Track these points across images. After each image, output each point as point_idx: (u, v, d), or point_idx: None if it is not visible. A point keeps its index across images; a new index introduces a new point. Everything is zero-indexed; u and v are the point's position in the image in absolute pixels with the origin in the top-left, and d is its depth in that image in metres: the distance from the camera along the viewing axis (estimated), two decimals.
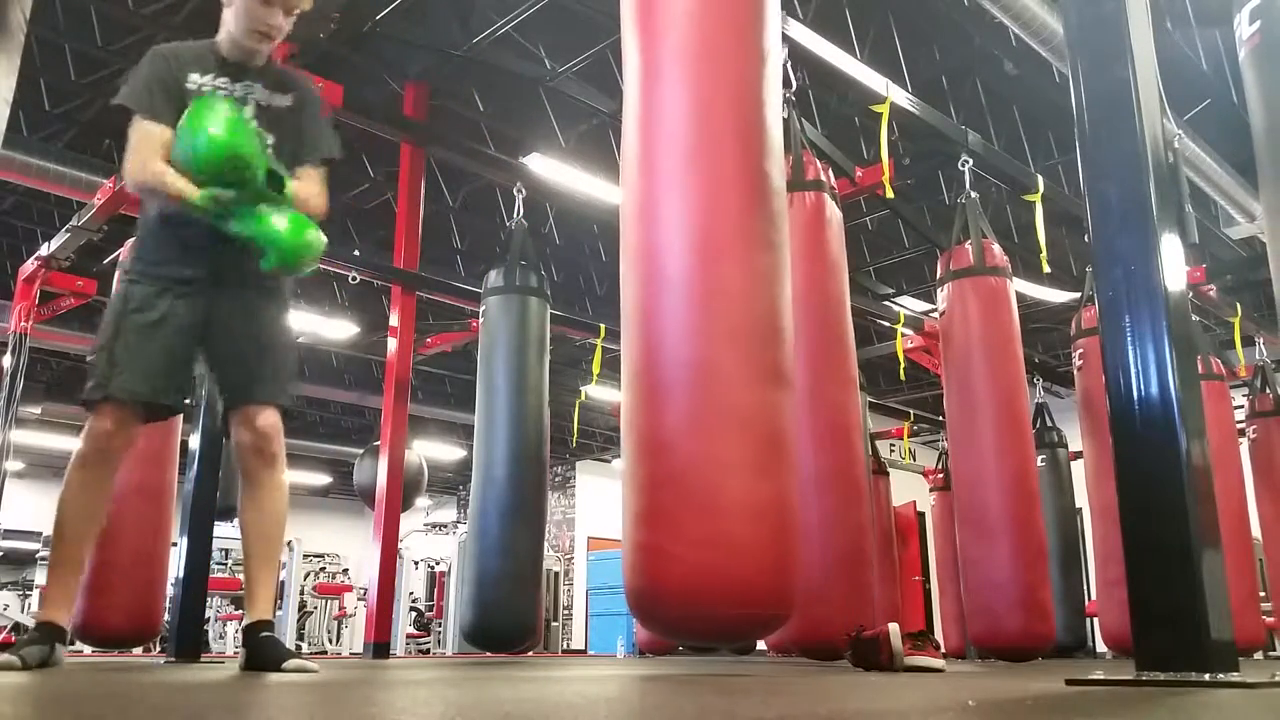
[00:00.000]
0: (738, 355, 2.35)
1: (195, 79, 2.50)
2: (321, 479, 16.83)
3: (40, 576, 12.64)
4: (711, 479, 2.27)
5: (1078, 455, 6.43)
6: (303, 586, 11.95)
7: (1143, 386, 1.94)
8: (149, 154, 2.39)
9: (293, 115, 2.59)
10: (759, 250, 2.45)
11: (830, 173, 4.29)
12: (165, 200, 2.42)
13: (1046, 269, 5.93)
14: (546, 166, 6.29)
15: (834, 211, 4.13)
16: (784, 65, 3.96)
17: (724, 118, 2.50)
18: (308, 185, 2.55)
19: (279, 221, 2.39)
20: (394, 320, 6.47)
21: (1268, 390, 7.11)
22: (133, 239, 2.68)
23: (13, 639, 10.75)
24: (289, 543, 11.48)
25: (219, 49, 2.58)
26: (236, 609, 11.64)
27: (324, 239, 2.52)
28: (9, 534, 12.84)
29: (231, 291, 2.51)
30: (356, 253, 7.24)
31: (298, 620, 11.60)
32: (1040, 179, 5.92)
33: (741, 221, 2.45)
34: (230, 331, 2.51)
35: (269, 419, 2.50)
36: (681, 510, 2.27)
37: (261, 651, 2.37)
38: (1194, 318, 5.83)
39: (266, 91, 2.57)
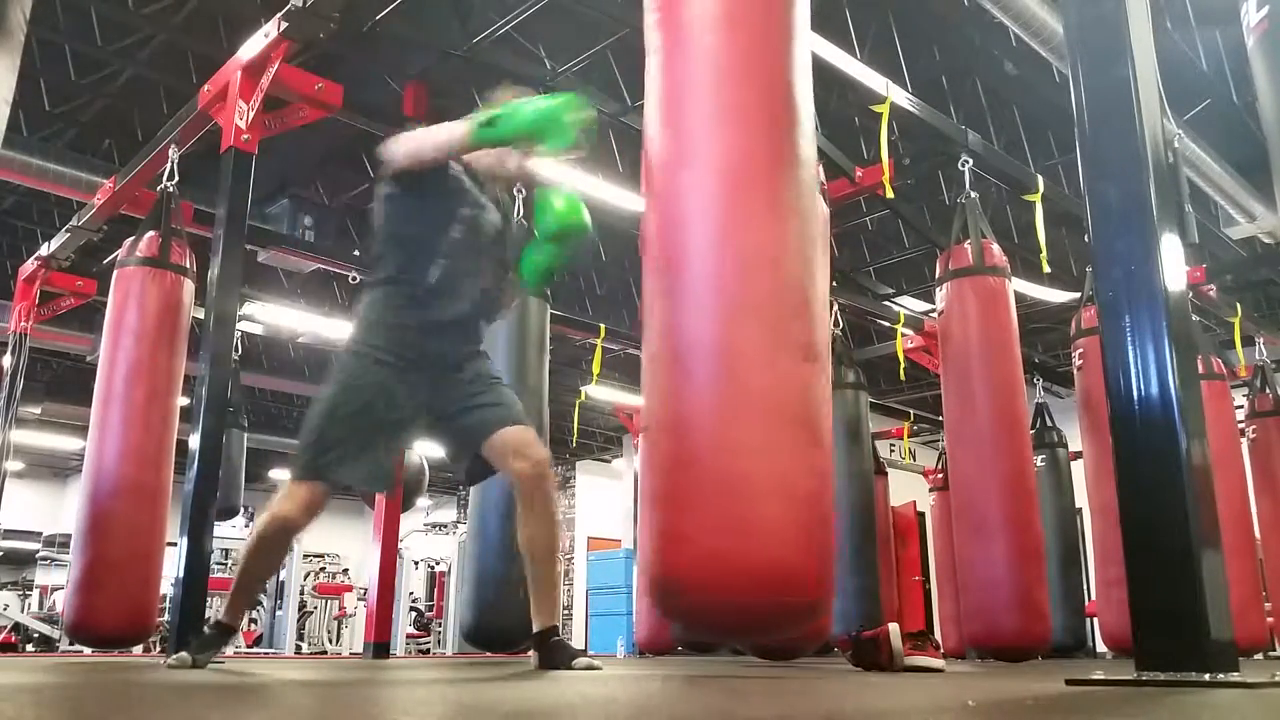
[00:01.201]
0: (759, 329, 2.22)
1: (456, 170, 2.74)
2: None
3: (40, 576, 12.66)
4: (730, 460, 2.13)
5: (1078, 455, 6.43)
6: (303, 586, 11.95)
7: (1143, 386, 1.93)
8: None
9: (503, 229, 2.89)
10: (784, 220, 2.30)
11: (820, 168, 4.29)
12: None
13: (1046, 269, 5.93)
14: (546, 167, 6.28)
15: (821, 206, 4.13)
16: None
17: (750, 85, 2.38)
18: (510, 298, 2.95)
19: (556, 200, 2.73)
20: None
21: (1268, 390, 7.11)
22: None
23: (13, 639, 10.77)
24: None
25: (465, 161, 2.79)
26: None
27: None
28: (9, 534, 12.84)
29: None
30: (356, 253, 7.24)
31: (298, 620, 11.60)
32: (1040, 179, 5.91)
33: (766, 191, 2.32)
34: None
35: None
36: (698, 493, 2.14)
37: (552, 654, 2.59)
38: (1194, 318, 5.82)
39: (494, 206, 2.86)
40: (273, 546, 2.65)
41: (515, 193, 5.86)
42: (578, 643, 13.47)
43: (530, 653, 2.71)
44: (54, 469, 15.94)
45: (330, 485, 2.58)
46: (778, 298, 2.24)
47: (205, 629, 2.86)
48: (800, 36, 2.48)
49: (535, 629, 2.66)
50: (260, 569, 2.77)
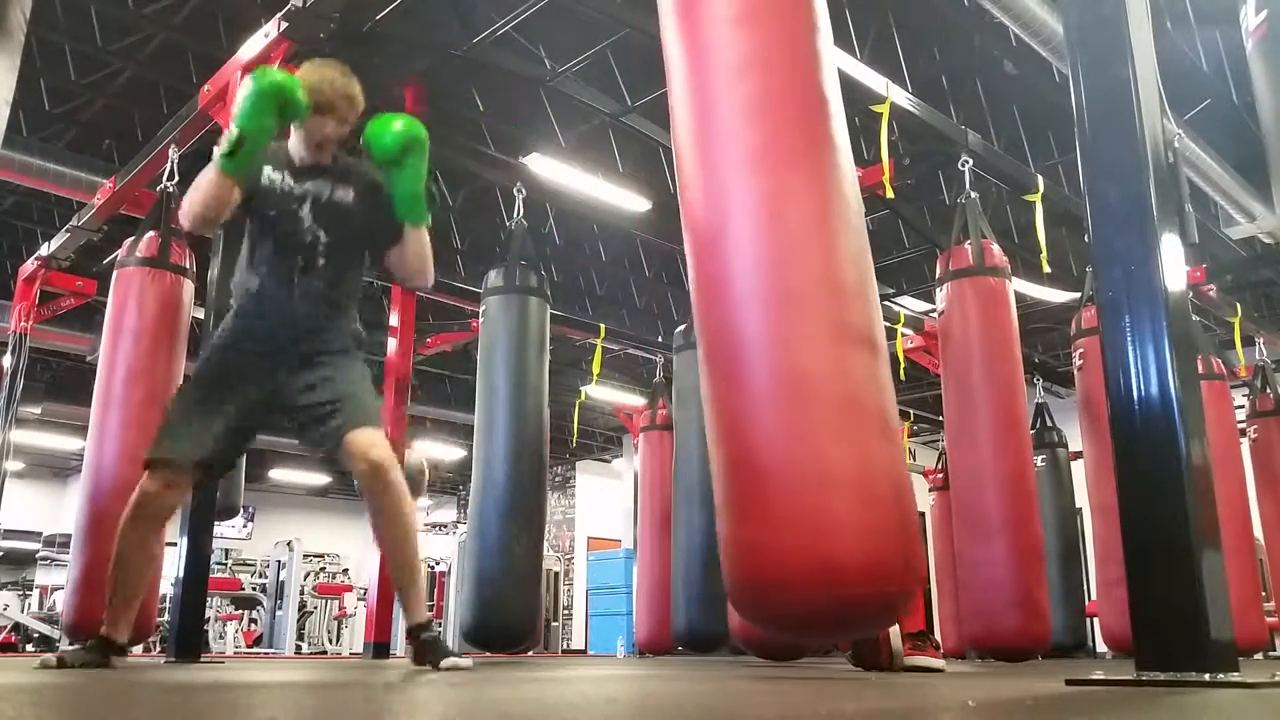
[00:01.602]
0: (808, 318, 2.12)
1: (268, 172, 2.74)
2: (322, 479, 16.84)
3: (40, 576, 12.66)
4: (785, 453, 2.02)
5: (1078, 455, 6.43)
6: (303, 586, 11.95)
7: (1143, 386, 1.93)
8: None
9: (359, 206, 2.78)
10: (823, 208, 2.23)
11: None
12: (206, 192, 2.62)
13: (1046, 269, 5.92)
14: (546, 166, 6.29)
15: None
16: None
17: (777, 80, 2.33)
18: (411, 244, 2.78)
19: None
20: (394, 320, 6.47)
21: (1268, 390, 7.11)
22: None
23: (13, 639, 10.77)
24: (289, 543, 11.51)
25: (289, 153, 2.80)
26: (236, 609, 11.64)
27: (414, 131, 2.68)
28: (9, 534, 12.84)
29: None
30: None
31: (298, 620, 11.59)
32: (1040, 179, 5.91)
33: (803, 182, 2.25)
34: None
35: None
36: (756, 491, 2.03)
37: (423, 651, 2.65)
38: (1194, 318, 5.82)
39: (328, 186, 2.77)
40: (133, 535, 2.67)
41: (516, 192, 5.87)
42: (578, 643, 13.48)
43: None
44: (54, 469, 15.93)
45: (169, 470, 2.64)
46: (827, 284, 2.14)
47: (86, 643, 2.78)
48: (822, 29, 2.44)
49: (406, 626, 2.71)
50: (128, 563, 2.71)
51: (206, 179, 2.60)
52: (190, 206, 2.62)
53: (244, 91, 2.57)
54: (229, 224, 2.80)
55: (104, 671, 2.54)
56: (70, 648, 2.82)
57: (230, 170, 2.58)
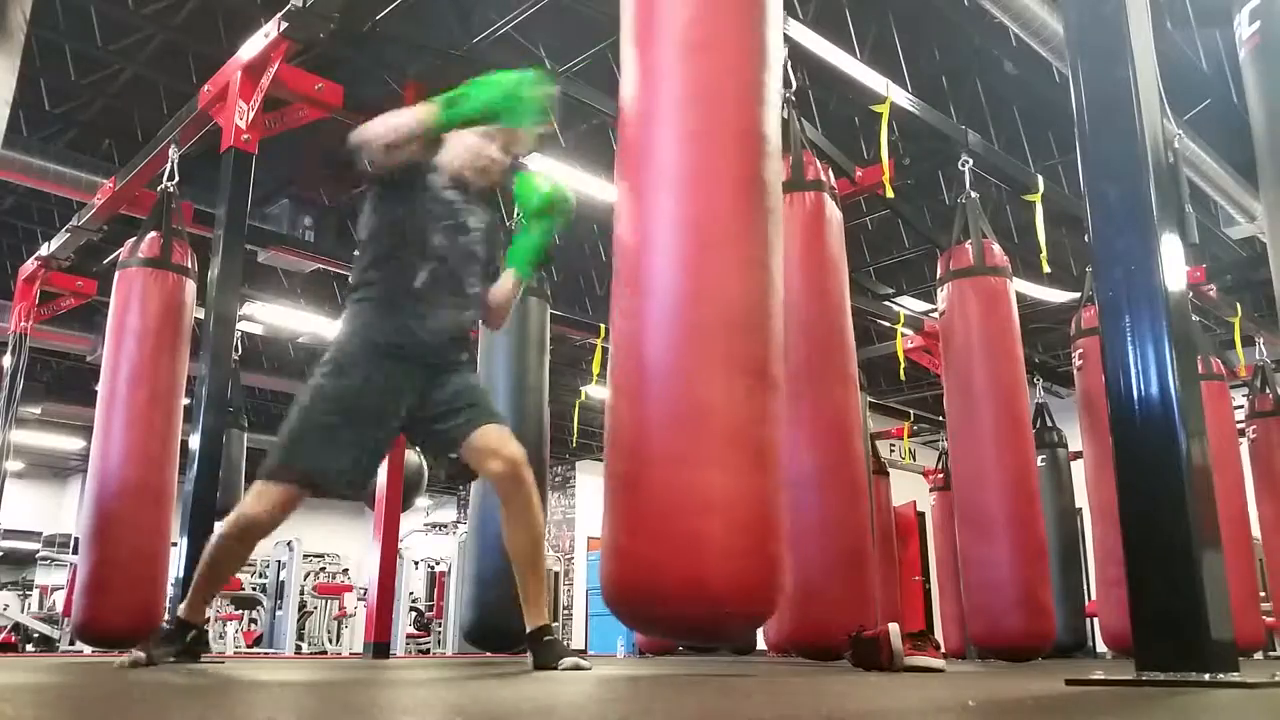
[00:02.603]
0: (714, 351, 2.30)
1: (432, 177, 2.68)
2: None
3: (40, 576, 12.67)
4: (671, 475, 2.22)
5: (1078, 455, 6.43)
6: (303, 586, 11.95)
7: (1143, 386, 1.93)
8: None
9: (491, 233, 2.82)
10: (743, 247, 2.39)
11: (830, 173, 4.29)
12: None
13: (1046, 269, 5.93)
14: (546, 166, 6.28)
15: (834, 212, 4.13)
16: (784, 65, 3.95)
17: (718, 115, 2.46)
18: (505, 287, 2.84)
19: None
20: None
21: (1268, 390, 7.11)
22: None
23: (13, 639, 10.77)
24: (289, 543, 11.50)
25: (445, 169, 2.72)
26: (237, 609, 11.64)
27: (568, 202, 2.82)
28: (9, 534, 12.85)
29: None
30: (356, 253, 7.23)
31: (298, 620, 11.59)
32: (1040, 179, 5.91)
33: (728, 219, 2.40)
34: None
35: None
36: (641, 507, 2.26)
37: (543, 653, 2.61)
38: (1194, 318, 5.82)
39: (483, 208, 2.80)
40: (237, 547, 2.60)
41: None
42: (578, 643, 13.48)
43: (527, 653, 2.72)
44: (54, 469, 15.94)
45: (302, 485, 2.51)
46: (730, 319, 2.32)
47: (164, 626, 2.78)
48: (772, 65, 2.56)
49: (528, 629, 2.68)
50: (223, 569, 2.71)
51: (411, 116, 2.53)
52: (380, 130, 2.51)
53: (516, 85, 2.53)
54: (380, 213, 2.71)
55: (104, 672, 2.53)
56: (150, 641, 2.76)
57: (445, 118, 2.51)
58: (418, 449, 2.79)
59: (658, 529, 2.22)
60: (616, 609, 2.36)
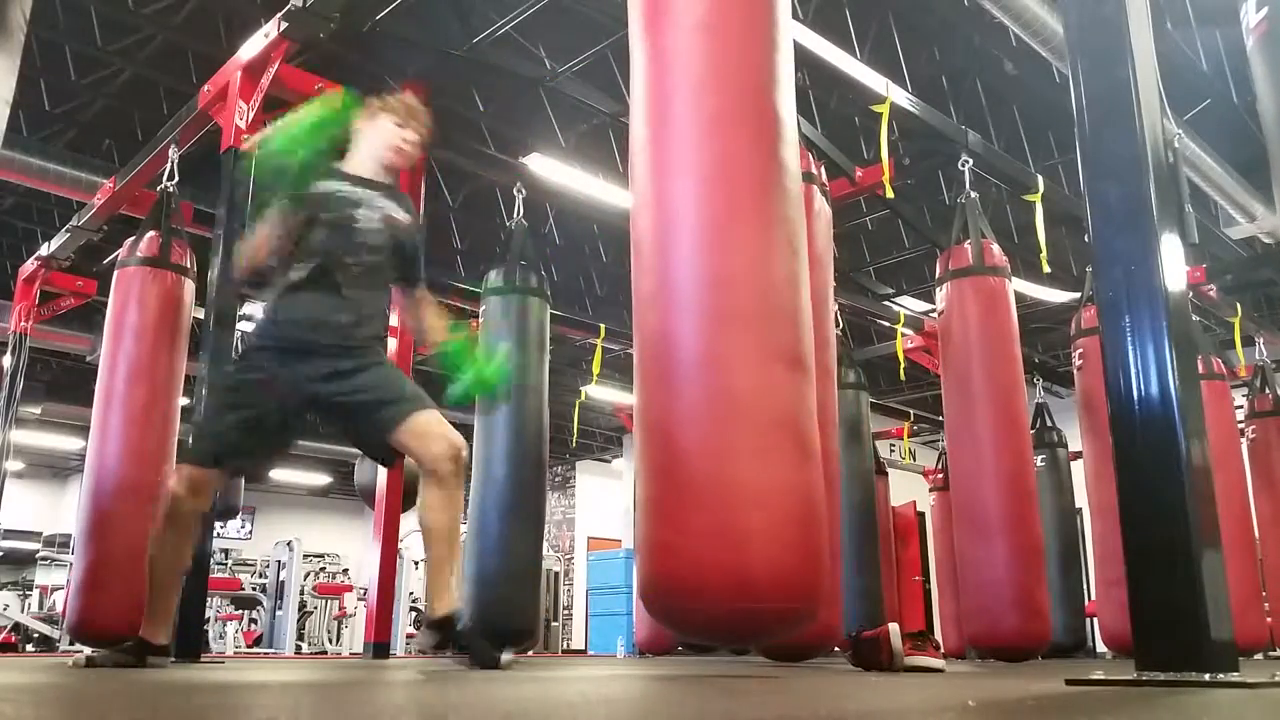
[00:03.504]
0: (745, 338, 2.25)
1: (320, 185, 2.75)
2: (321, 479, 16.83)
3: (40, 576, 12.66)
4: (712, 467, 2.17)
5: (1078, 455, 6.43)
6: (303, 586, 11.94)
7: (1143, 386, 1.93)
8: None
9: (405, 230, 2.86)
10: (769, 231, 2.35)
11: (822, 168, 4.30)
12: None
13: (1046, 269, 5.93)
14: (546, 166, 6.29)
15: (823, 205, 4.15)
16: None
17: (735, 98, 2.43)
18: (434, 312, 2.95)
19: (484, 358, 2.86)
20: (394, 320, 6.46)
21: (1268, 390, 7.11)
22: None
23: (13, 639, 10.76)
24: (289, 543, 11.50)
25: (345, 169, 2.85)
26: (236, 609, 11.64)
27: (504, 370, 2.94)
28: (9, 534, 12.83)
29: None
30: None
31: (298, 620, 11.59)
32: (1040, 179, 5.91)
33: (752, 203, 2.36)
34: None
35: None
36: (681, 501, 2.18)
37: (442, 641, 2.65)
38: (1194, 318, 5.82)
39: (391, 203, 2.84)
40: (171, 530, 2.72)
41: (516, 192, 5.88)
42: (578, 643, 13.48)
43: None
44: (54, 469, 15.93)
45: (201, 464, 2.72)
46: (763, 306, 2.28)
47: (124, 645, 2.75)
48: (783, 47, 2.52)
49: (433, 616, 2.66)
50: (166, 558, 2.75)
51: (239, 252, 2.75)
52: (239, 273, 2.82)
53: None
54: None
55: (104, 672, 2.54)
56: (101, 650, 2.82)
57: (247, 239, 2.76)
58: (346, 436, 2.81)
59: (693, 523, 2.15)
60: (651, 606, 2.29)
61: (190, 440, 2.79)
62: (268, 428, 2.73)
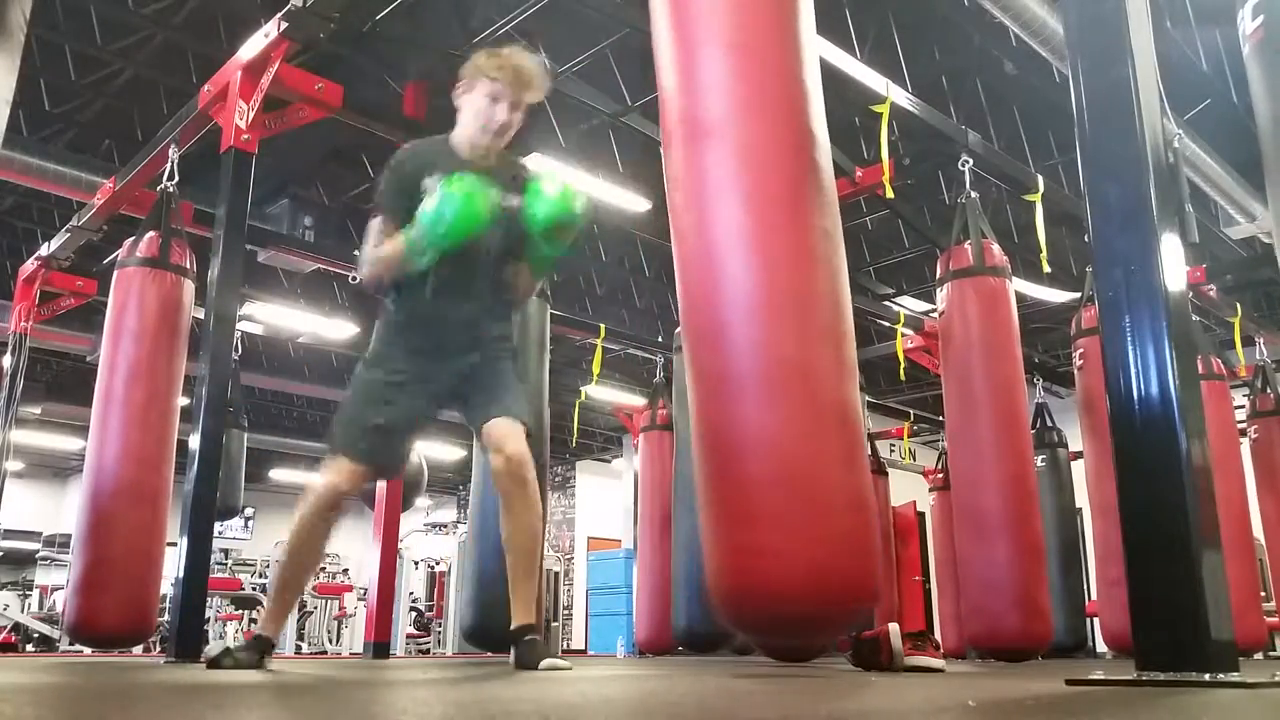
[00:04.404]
0: (825, 350, 2.33)
1: (430, 182, 2.61)
2: None
3: (40, 576, 12.67)
4: (819, 476, 2.23)
5: (1078, 455, 6.42)
6: None
7: (1143, 386, 1.93)
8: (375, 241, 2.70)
9: (519, 213, 2.70)
10: (827, 246, 2.41)
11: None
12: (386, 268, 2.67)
13: (1046, 269, 5.93)
14: (546, 166, 6.29)
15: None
16: None
17: (773, 115, 2.46)
18: (525, 275, 2.83)
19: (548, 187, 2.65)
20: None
21: (1268, 390, 7.11)
22: None
23: (13, 639, 10.77)
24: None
25: (458, 150, 2.75)
26: (236, 609, 11.64)
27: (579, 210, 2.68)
28: (9, 534, 12.85)
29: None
30: (356, 253, 7.25)
31: (298, 620, 11.59)
32: (1040, 179, 5.91)
33: (810, 221, 2.39)
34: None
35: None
36: (795, 509, 2.21)
37: (524, 653, 2.62)
38: (1194, 318, 5.82)
39: (502, 191, 2.68)
40: (320, 522, 2.67)
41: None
42: (578, 643, 13.48)
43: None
44: (54, 469, 15.94)
45: (364, 464, 2.67)
46: (836, 319, 2.35)
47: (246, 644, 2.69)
48: (810, 66, 2.57)
49: (513, 626, 2.68)
50: (308, 552, 2.71)
51: (395, 254, 2.61)
52: (372, 268, 2.68)
53: (448, 205, 2.50)
54: None
55: (104, 671, 2.53)
56: (236, 644, 2.74)
57: (417, 261, 2.58)
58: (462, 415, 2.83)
59: (810, 529, 2.19)
60: (744, 608, 2.31)
61: (341, 434, 2.70)
62: (408, 428, 2.75)
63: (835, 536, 2.17)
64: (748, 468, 2.26)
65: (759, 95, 2.46)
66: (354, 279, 6.12)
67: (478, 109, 2.71)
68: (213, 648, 2.70)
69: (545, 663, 2.54)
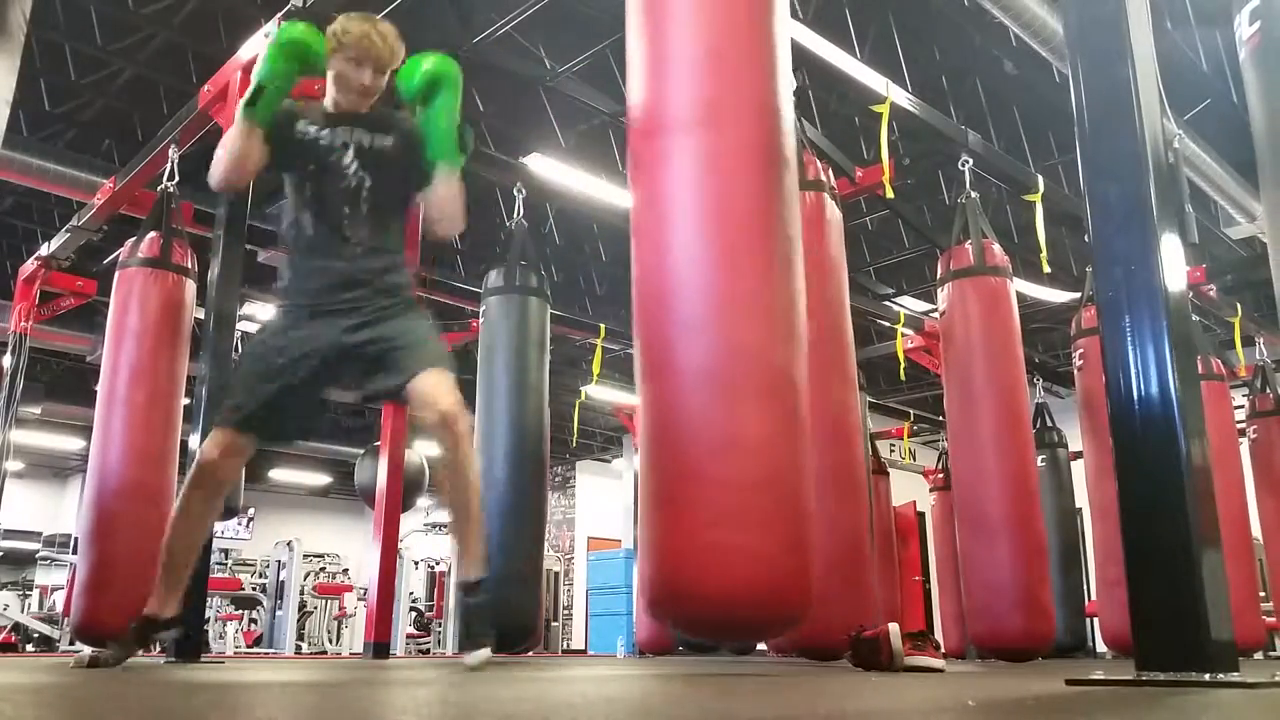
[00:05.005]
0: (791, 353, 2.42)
1: (302, 127, 2.72)
2: (322, 479, 16.84)
3: (40, 576, 12.67)
4: (797, 486, 2.32)
5: (1078, 455, 6.43)
6: (303, 586, 11.94)
7: (1143, 386, 1.93)
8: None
9: (397, 152, 2.73)
10: (794, 253, 2.49)
11: (830, 173, 4.29)
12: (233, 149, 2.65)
13: (1046, 269, 5.93)
14: (546, 166, 6.28)
15: (834, 212, 4.13)
16: None
17: (739, 119, 2.47)
18: (442, 186, 2.72)
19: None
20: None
21: (1268, 390, 7.11)
22: None
23: (13, 639, 10.76)
24: (289, 543, 11.51)
25: (325, 107, 2.78)
26: (236, 609, 11.64)
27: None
28: (9, 534, 12.83)
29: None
30: None
31: (298, 620, 11.59)
32: (1040, 179, 5.91)
33: (778, 226, 2.46)
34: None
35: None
36: (769, 514, 2.29)
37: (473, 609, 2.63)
38: (1194, 318, 5.82)
39: (368, 134, 2.73)
40: (198, 496, 2.66)
41: (516, 192, 5.87)
42: (578, 643, 13.48)
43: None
44: (54, 469, 15.93)
45: (244, 433, 2.65)
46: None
47: (130, 626, 2.69)
48: (783, 64, 2.58)
49: (458, 579, 2.64)
50: (189, 527, 2.70)
51: (231, 133, 2.63)
52: (217, 163, 2.65)
53: (266, 45, 2.62)
54: (271, 193, 2.84)
55: (104, 671, 2.53)
56: (112, 644, 2.74)
57: (251, 118, 2.60)
58: (363, 385, 2.75)
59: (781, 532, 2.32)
60: (691, 606, 2.35)
61: (223, 405, 2.68)
62: (300, 388, 2.67)
63: (800, 543, 2.30)
64: (726, 468, 2.30)
65: (732, 98, 2.49)
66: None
67: (338, 72, 2.71)
68: (82, 657, 2.67)
69: (477, 654, 2.49)
